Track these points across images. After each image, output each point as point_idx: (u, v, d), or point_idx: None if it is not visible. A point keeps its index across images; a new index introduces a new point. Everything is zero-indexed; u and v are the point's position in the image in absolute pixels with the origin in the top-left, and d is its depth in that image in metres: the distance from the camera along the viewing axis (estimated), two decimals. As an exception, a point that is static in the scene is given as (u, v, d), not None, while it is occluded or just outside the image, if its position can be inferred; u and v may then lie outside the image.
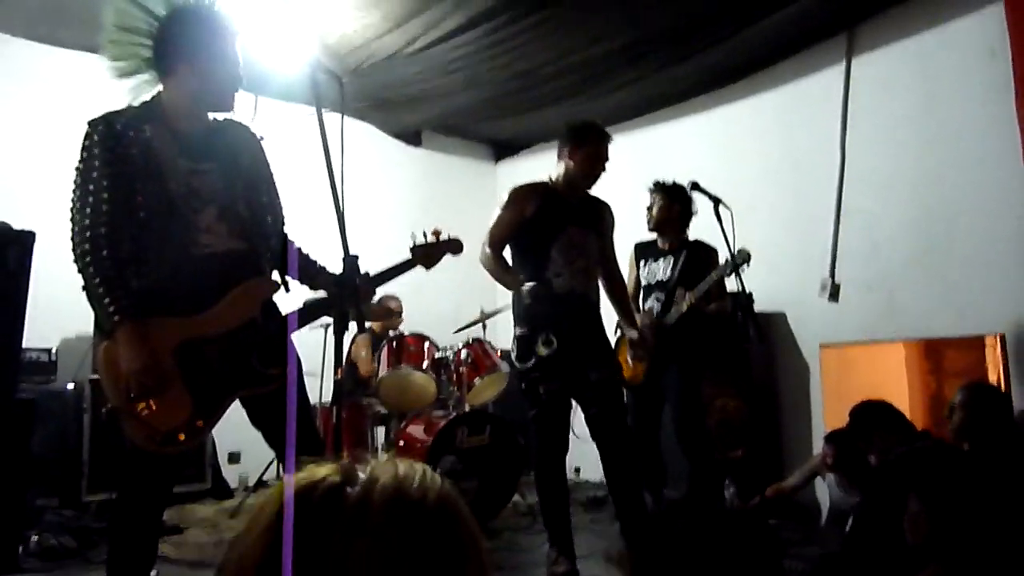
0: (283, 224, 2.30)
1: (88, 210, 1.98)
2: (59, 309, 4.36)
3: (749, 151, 5.17)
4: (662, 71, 5.02)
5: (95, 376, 4.12)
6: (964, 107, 4.20)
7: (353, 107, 5.71)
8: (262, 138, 2.29)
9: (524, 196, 3.22)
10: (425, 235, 2.44)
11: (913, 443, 3.13)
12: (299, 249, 2.34)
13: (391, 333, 4.69)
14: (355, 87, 5.32)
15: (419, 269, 2.43)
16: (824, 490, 4.26)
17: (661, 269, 3.99)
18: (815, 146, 4.82)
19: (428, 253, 2.42)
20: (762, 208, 4.68)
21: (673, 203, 3.94)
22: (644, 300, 4.01)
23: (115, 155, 2.00)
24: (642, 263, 4.07)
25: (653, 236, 4.10)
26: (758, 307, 4.77)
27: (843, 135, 4.67)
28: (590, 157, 3.20)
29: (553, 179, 3.29)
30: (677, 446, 3.82)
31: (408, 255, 2.40)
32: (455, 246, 2.50)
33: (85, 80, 4.95)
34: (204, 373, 2.04)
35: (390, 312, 5.03)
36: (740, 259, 3.63)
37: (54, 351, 4.47)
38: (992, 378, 5.02)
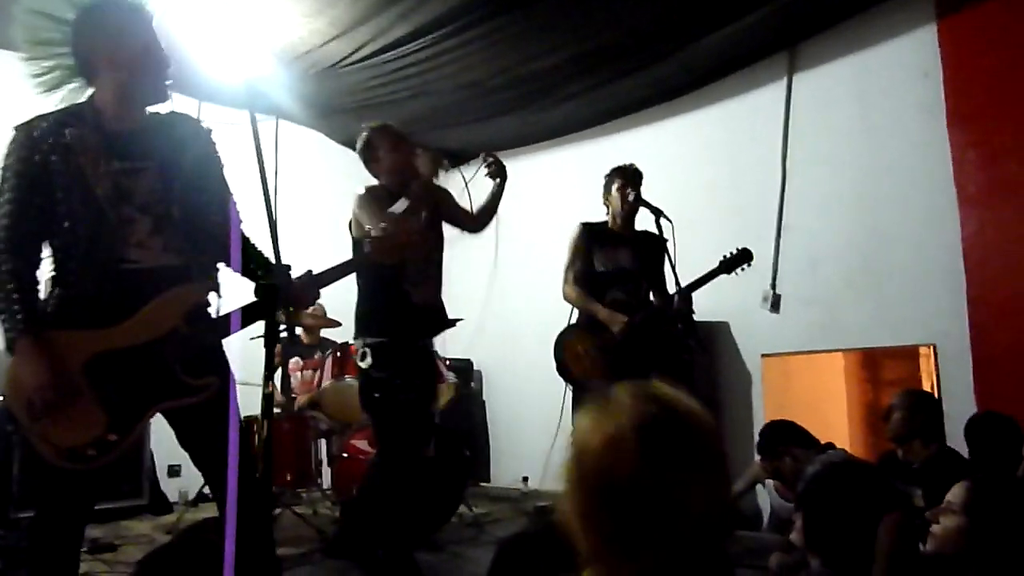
0: (230, 220, 2.16)
1: None
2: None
3: (694, 165, 5.26)
4: (608, 85, 5.08)
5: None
6: (899, 127, 4.35)
7: (300, 115, 5.66)
8: (210, 130, 2.20)
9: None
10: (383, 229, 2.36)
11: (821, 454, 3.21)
12: (251, 244, 2.22)
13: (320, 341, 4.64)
14: (301, 95, 5.27)
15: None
16: (766, 497, 4.34)
17: (624, 257, 3.76)
18: (757, 162, 4.93)
19: (383, 248, 2.30)
20: (706, 221, 4.76)
21: (635, 188, 3.77)
22: (602, 289, 3.70)
23: (30, 164, 1.93)
24: (596, 248, 3.76)
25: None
26: (701, 317, 4.84)
27: (784, 152, 4.79)
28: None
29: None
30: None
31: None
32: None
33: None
34: (118, 386, 1.95)
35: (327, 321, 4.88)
36: (742, 258, 3.63)
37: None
38: (926, 386, 5.18)
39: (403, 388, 3.07)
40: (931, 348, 4.29)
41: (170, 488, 4.94)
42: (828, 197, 4.60)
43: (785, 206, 4.76)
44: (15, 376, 1.92)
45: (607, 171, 3.86)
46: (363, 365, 3.12)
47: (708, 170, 5.20)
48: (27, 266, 1.95)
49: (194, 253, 2.07)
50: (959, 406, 3.91)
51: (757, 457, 4.30)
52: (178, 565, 1.20)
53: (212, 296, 2.13)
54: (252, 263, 2.19)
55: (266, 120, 5.24)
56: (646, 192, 3.79)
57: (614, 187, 3.77)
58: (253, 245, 2.24)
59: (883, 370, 5.82)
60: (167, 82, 2.07)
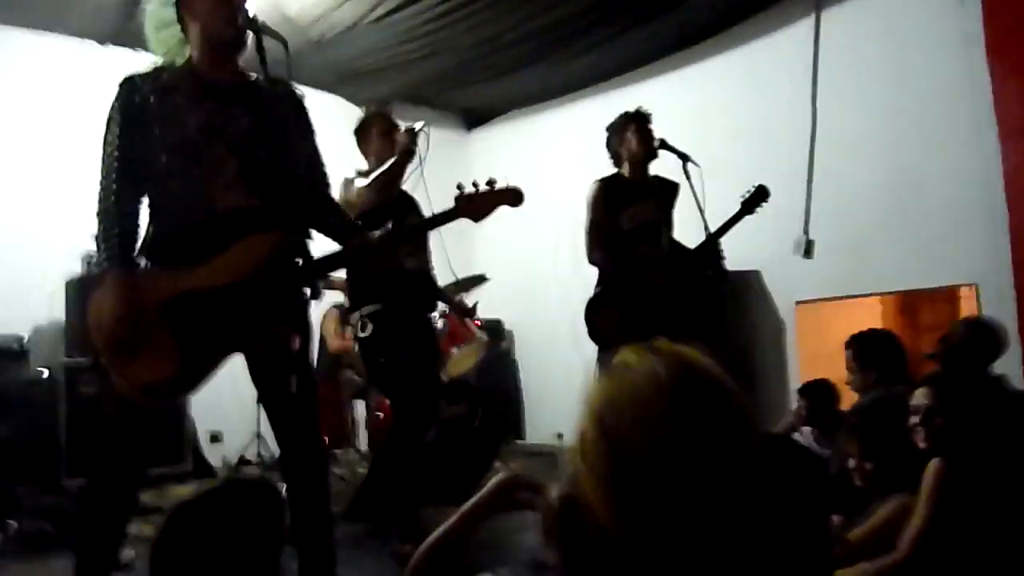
0: (321, 183, 2.31)
1: (103, 168, 2.05)
2: (28, 296, 4.33)
3: (720, 111, 5.14)
4: (628, 32, 4.96)
5: (70, 360, 4.09)
6: (934, 60, 4.18)
7: (321, 80, 5.62)
8: (303, 96, 2.28)
9: None
10: (476, 185, 2.28)
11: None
12: (337, 207, 2.38)
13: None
14: (320, 59, 5.23)
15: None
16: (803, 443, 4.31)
17: (647, 209, 3.62)
18: (786, 104, 4.79)
19: (477, 203, 2.29)
20: (734, 168, 4.63)
21: (651, 132, 3.65)
22: (630, 247, 3.57)
23: (131, 107, 2.05)
24: (619, 204, 3.61)
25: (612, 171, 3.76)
26: (733, 265, 4.76)
27: (814, 93, 4.65)
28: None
29: None
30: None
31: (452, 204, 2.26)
32: (513, 196, 2.32)
33: (37, 63, 4.87)
34: (195, 327, 2.01)
35: None
36: (761, 195, 3.53)
37: (25, 339, 4.41)
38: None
39: (407, 350, 3.10)
40: (973, 288, 4.18)
41: (213, 455, 5.06)
42: (860, 138, 4.46)
43: (816, 149, 4.63)
44: (97, 308, 2.00)
45: (614, 120, 3.72)
46: (364, 335, 3.14)
47: (735, 116, 5.07)
48: (130, 203, 2.07)
49: (278, 200, 2.11)
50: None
51: (793, 404, 4.27)
52: (212, 515, 1.21)
53: (297, 247, 2.16)
54: (338, 222, 2.31)
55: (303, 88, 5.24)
56: (672, 140, 3.69)
57: (630, 134, 3.61)
58: (338, 206, 2.37)
59: (922, 313, 5.69)
60: (236, 21, 2.11)
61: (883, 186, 4.38)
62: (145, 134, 2.04)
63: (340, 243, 2.30)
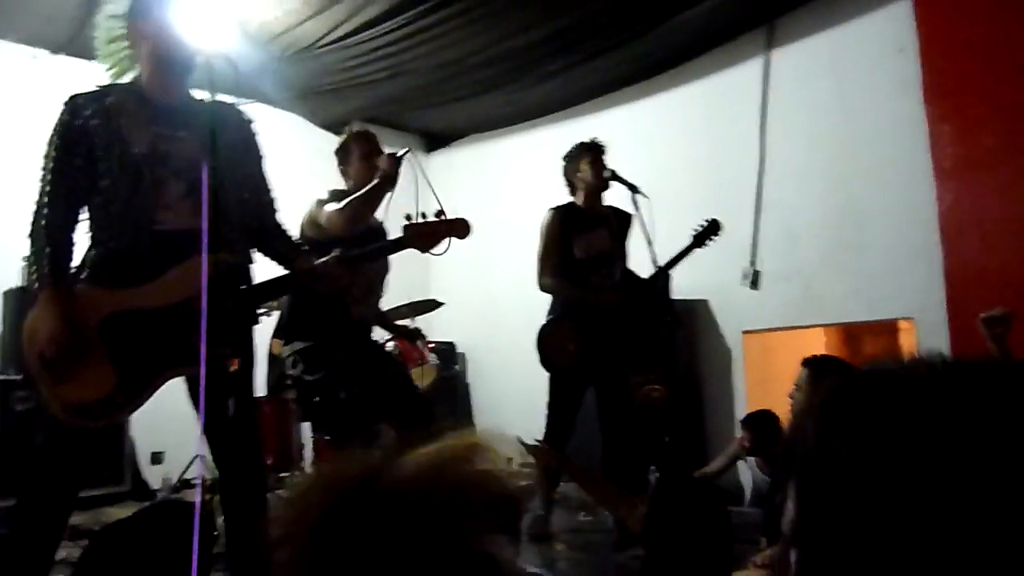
0: (267, 207, 2.29)
1: (40, 187, 2.04)
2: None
3: (673, 143, 5.26)
4: (587, 63, 5.06)
5: (2, 375, 3.96)
6: (875, 102, 4.35)
7: (279, 97, 5.60)
8: (252, 120, 2.28)
9: None
10: (424, 215, 2.30)
11: None
12: (284, 231, 2.36)
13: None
14: (279, 76, 5.21)
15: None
16: (747, 473, 4.39)
17: (601, 238, 3.65)
18: (736, 138, 4.93)
19: (424, 233, 2.31)
20: (686, 199, 4.75)
21: (603, 163, 3.69)
22: (582, 275, 3.60)
23: (72, 128, 2.03)
24: (572, 232, 3.63)
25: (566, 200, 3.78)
26: (681, 294, 4.86)
27: (762, 128, 4.79)
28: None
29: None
30: (599, 431, 3.79)
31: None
32: (460, 228, 2.36)
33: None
34: (131, 348, 2.00)
35: None
36: (713, 229, 3.59)
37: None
38: (907, 361, 5.21)
39: (344, 385, 3.01)
40: (911, 322, 4.33)
41: (153, 475, 4.92)
42: (806, 173, 4.61)
43: (763, 182, 4.77)
44: (32, 326, 1.98)
45: (569, 149, 3.76)
46: (294, 373, 3.08)
47: (687, 148, 5.19)
48: (63, 222, 2.04)
49: (223, 222, 2.08)
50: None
51: (738, 434, 4.34)
52: (137, 536, 1.19)
53: (238, 270, 2.15)
54: (282, 246, 2.31)
55: (244, 104, 5.20)
56: (625, 170, 3.76)
57: (583, 164, 3.66)
58: (285, 230, 2.36)
59: (864, 344, 5.86)
60: (180, 40, 2.11)
61: (828, 221, 4.52)
62: (87, 155, 2.03)
63: (285, 268, 2.30)
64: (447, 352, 6.06)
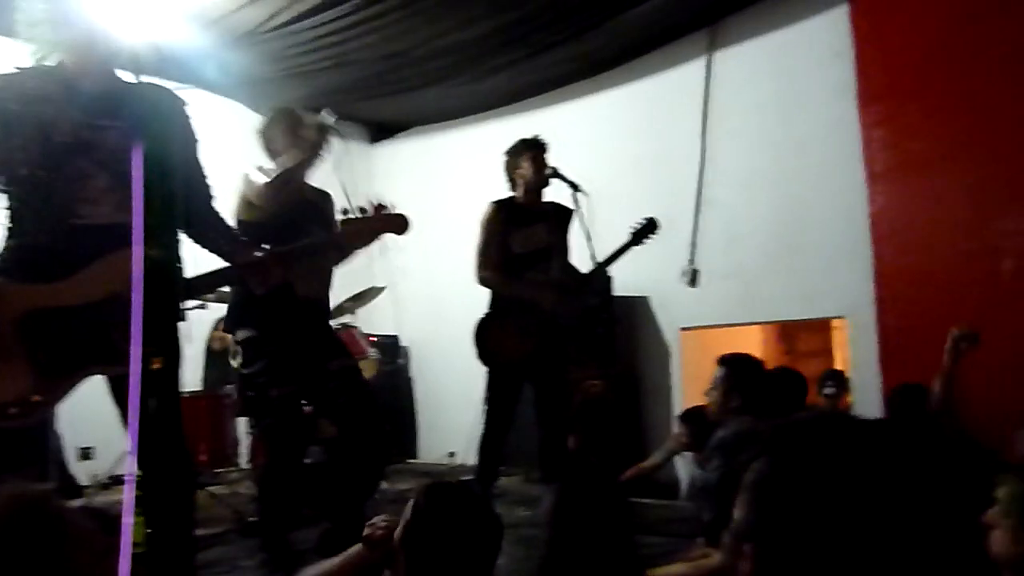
0: (202, 196, 2.20)
1: None
2: None
3: (617, 141, 5.31)
4: (533, 57, 5.06)
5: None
6: (813, 106, 4.46)
7: (221, 84, 5.46)
8: (185, 103, 2.18)
9: None
10: (363, 210, 2.23)
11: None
12: (221, 221, 2.27)
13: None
14: (219, 62, 5.08)
15: None
16: (683, 467, 4.46)
17: (540, 233, 3.66)
18: (679, 138, 5.00)
19: (362, 230, 2.24)
20: (628, 197, 4.80)
21: (544, 160, 3.66)
22: (520, 270, 3.61)
23: None
24: (512, 227, 3.64)
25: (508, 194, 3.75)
26: (622, 291, 4.93)
27: (704, 128, 4.87)
28: None
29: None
30: (537, 427, 3.80)
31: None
32: (398, 224, 2.28)
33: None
34: (50, 345, 1.91)
35: None
36: (650, 228, 3.60)
37: None
38: (839, 358, 5.37)
39: (277, 382, 2.87)
40: (843, 320, 4.46)
41: (81, 471, 4.77)
42: (746, 173, 4.70)
43: (704, 182, 4.84)
44: None
45: (511, 146, 3.74)
46: (235, 364, 2.97)
47: (630, 146, 5.24)
48: None
49: (151, 214, 2.00)
50: (868, 377, 4.08)
51: (675, 429, 4.41)
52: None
53: (164, 264, 2.06)
54: (219, 237, 2.22)
55: (182, 89, 5.06)
56: (569, 166, 3.76)
57: (524, 160, 3.65)
58: (222, 220, 2.26)
59: (799, 342, 6.03)
60: (117, 37, 2.03)
61: (766, 221, 4.62)
62: (3, 143, 1.95)
63: (222, 259, 2.23)
64: (390, 346, 6.02)
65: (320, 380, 2.98)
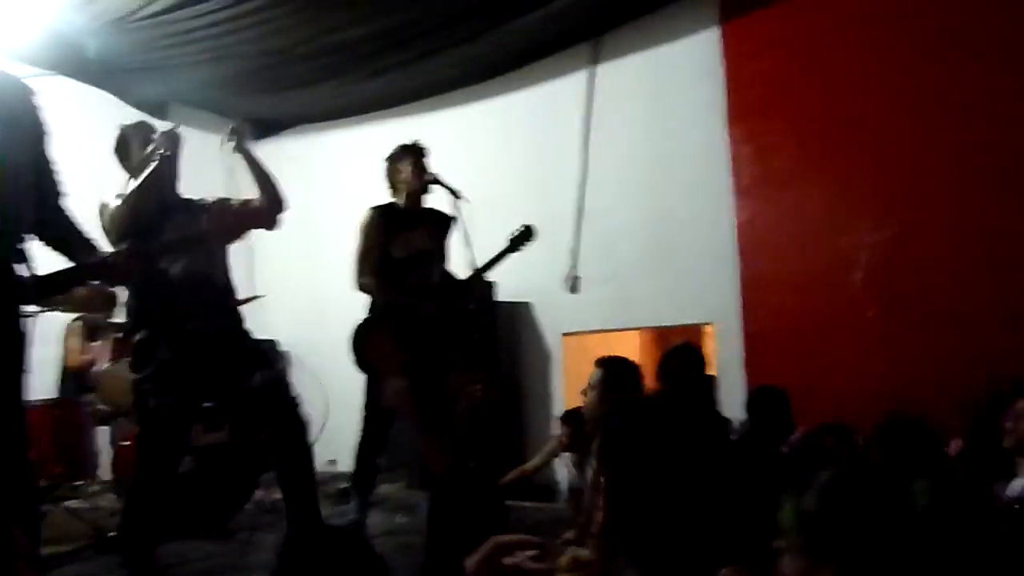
0: (50, 191, 2.08)
1: None
2: None
3: (500, 148, 5.37)
4: (419, 61, 5.05)
5: None
6: (687, 123, 4.66)
7: (87, 72, 5.14)
8: (33, 92, 2.04)
9: None
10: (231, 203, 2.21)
11: None
12: (69, 220, 2.15)
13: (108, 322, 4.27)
14: (86, 49, 4.78)
15: None
16: (562, 471, 4.56)
17: (420, 238, 3.64)
18: (561, 148, 5.10)
19: (228, 224, 2.25)
20: (511, 205, 4.86)
21: (425, 165, 3.65)
22: (400, 275, 3.59)
23: None
24: (392, 232, 3.61)
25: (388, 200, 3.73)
26: (506, 297, 4.98)
27: (585, 139, 5.00)
28: None
29: None
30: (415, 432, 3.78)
31: None
32: (265, 217, 2.30)
33: None
34: None
35: (109, 299, 4.45)
36: (527, 235, 3.61)
37: None
38: (715, 362, 5.61)
39: (158, 392, 2.73)
40: (712, 326, 4.67)
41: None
42: (624, 184, 4.86)
43: (585, 191, 4.97)
44: None
45: (392, 151, 3.73)
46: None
47: (513, 154, 5.32)
48: None
49: None
50: (733, 379, 4.29)
51: (556, 432, 4.50)
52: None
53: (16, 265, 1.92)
54: (68, 237, 2.11)
55: (44, 76, 4.73)
56: (451, 173, 3.77)
57: (405, 165, 3.64)
58: (68, 218, 2.15)
59: (674, 347, 6.26)
60: None
61: (643, 230, 4.79)
62: None
63: (70, 259, 2.10)
64: (268, 351, 5.83)
65: (236, 393, 2.86)
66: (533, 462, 4.52)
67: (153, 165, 2.70)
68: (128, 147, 2.94)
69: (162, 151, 2.69)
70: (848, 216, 4.06)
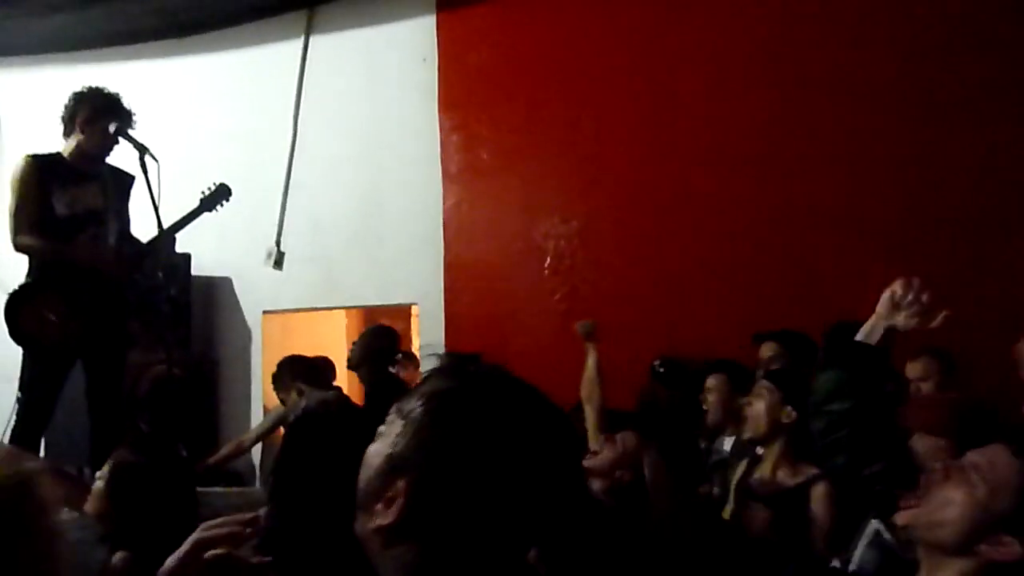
0: None
1: None
2: None
3: (203, 109, 5.01)
4: (106, 3, 4.51)
5: None
6: (401, 105, 4.71)
7: None
8: None
9: None
10: None
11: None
12: None
13: None
14: None
15: None
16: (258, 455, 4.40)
17: (91, 195, 3.28)
18: (270, 116, 4.89)
19: None
20: (214, 171, 4.53)
21: (116, 119, 3.26)
22: (66, 234, 3.21)
23: None
24: (56, 186, 3.22)
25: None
26: (203, 271, 4.67)
27: (297, 110, 4.84)
28: None
29: None
30: (89, 415, 3.38)
31: None
32: None
33: None
34: None
35: None
36: (222, 194, 3.37)
37: None
38: (415, 343, 5.76)
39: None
40: (416, 307, 4.80)
41: None
42: (335, 160, 4.78)
43: (293, 165, 4.82)
44: None
45: (70, 97, 3.28)
46: None
47: (217, 117, 4.99)
48: None
49: None
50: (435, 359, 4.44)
51: (257, 414, 4.34)
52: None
53: None
54: None
55: None
56: (147, 129, 3.37)
57: (84, 116, 3.24)
58: None
59: (383, 327, 6.34)
60: None
61: (351, 208, 4.76)
62: None
63: None
64: None
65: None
66: (223, 451, 4.29)
67: None
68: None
69: None
70: (540, 208, 4.40)
